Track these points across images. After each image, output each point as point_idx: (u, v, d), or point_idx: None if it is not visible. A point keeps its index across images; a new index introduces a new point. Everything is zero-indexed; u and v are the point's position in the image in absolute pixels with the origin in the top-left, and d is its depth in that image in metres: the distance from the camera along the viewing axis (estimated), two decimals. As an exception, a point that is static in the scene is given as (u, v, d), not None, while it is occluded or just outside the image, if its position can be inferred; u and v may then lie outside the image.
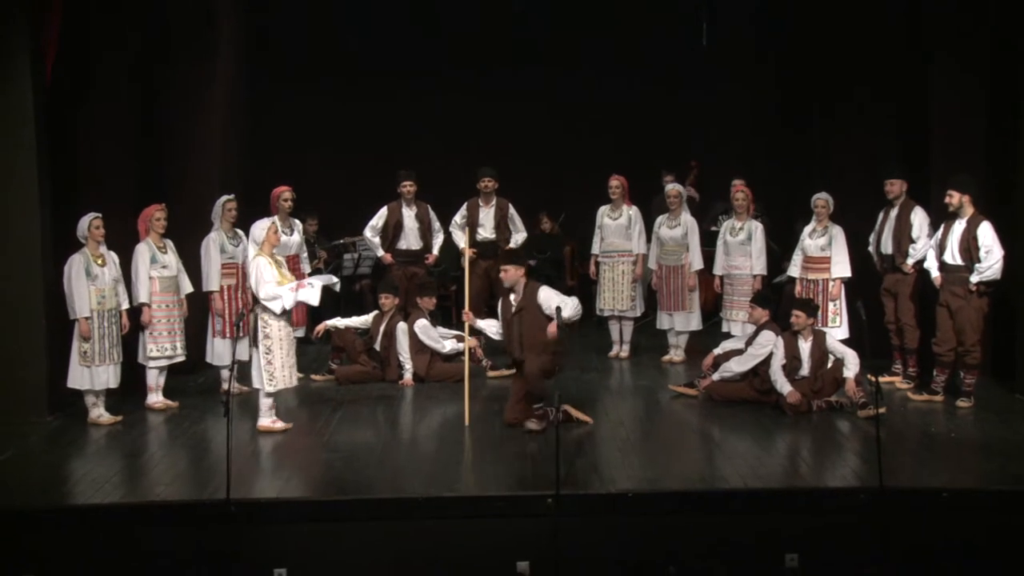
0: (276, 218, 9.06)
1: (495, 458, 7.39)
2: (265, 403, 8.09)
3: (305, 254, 10.29)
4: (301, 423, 8.35)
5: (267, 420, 8.11)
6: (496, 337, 8.38)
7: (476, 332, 8.86)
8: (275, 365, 7.98)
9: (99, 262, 8.34)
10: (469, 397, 8.36)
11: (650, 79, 13.05)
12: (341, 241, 12.36)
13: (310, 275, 10.02)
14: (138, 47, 9.68)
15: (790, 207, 11.33)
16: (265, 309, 7.96)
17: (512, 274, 8.09)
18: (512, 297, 8.13)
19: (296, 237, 10.06)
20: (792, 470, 7.30)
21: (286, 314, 8.05)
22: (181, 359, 8.94)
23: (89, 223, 8.32)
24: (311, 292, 8.06)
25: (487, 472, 7.14)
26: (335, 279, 8.42)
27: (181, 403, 8.91)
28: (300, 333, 9.92)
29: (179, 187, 9.91)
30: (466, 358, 8.68)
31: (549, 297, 7.91)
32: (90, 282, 8.24)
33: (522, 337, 8.02)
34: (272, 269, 7.99)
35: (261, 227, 8.16)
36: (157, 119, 10.04)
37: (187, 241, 9.30)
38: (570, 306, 7.86)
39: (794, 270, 9.71)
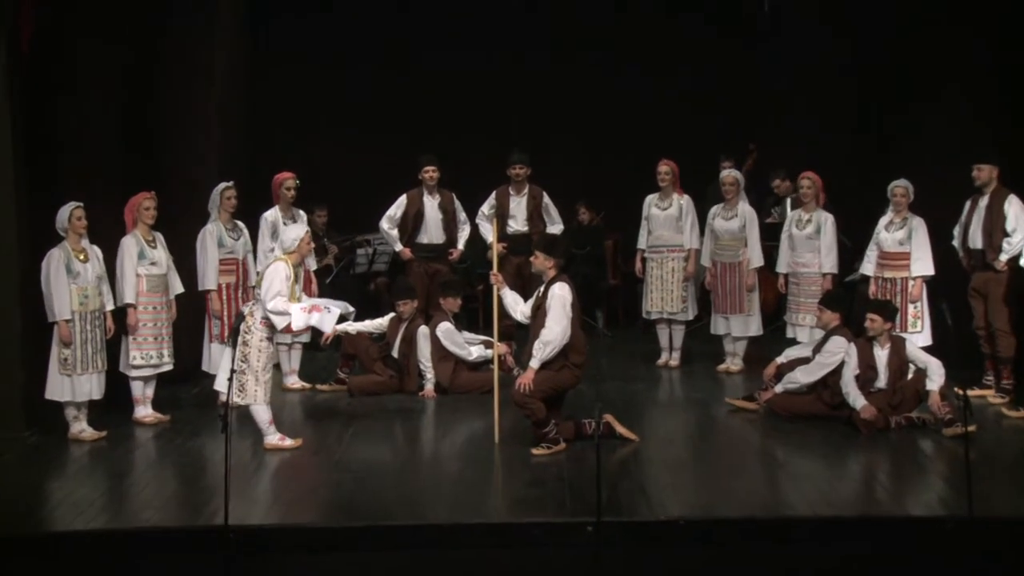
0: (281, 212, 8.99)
1: (529, 480, 7.35)
2: (263, 419, 8.04)
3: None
4: (309, 440, 8.34)
5: (274, 438, 8.07)
6: (520, 319, 8.19)
7: (507, 338, 8.75)
8: (247, 376, 7.90)
9: (81, 257, 8.31)
10: (499, 411, 8.29)
11: (705, 57, 13.01)
12: (355, 239, 12.32)
13: (317, 273, 10.01)
14: (127, 19, 9.68)
15: (864, 196, 11.18)
16: (253, 313, 7.90)
17: (540, 262, 7.94)
18: (540, 291, 7.97)
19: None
20: (867, 496, 7.26)
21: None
22: (168, 368, 8.95)
23: (70, 214, 8.29)
24: (326, 318, 8.05)
25: (519, 496, 7.11)
26: (351, 308, 8.39)
27: (173, 416, 8.94)
28: (307, 339, 9.91)
29: (172, 173, 10.00)
30: (495, 366, 8.61)
31: (554, 319, 7.67)
32: (71, 280, 8.22)
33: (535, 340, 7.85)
34: (289, 282, 7.93)
35: (293, 236, 8.07)
36: (148, 99, 10.05)
37: (181, 234, 9.37)
38: (538, 348, 7.67)
39: (868, 267, 9.66)
